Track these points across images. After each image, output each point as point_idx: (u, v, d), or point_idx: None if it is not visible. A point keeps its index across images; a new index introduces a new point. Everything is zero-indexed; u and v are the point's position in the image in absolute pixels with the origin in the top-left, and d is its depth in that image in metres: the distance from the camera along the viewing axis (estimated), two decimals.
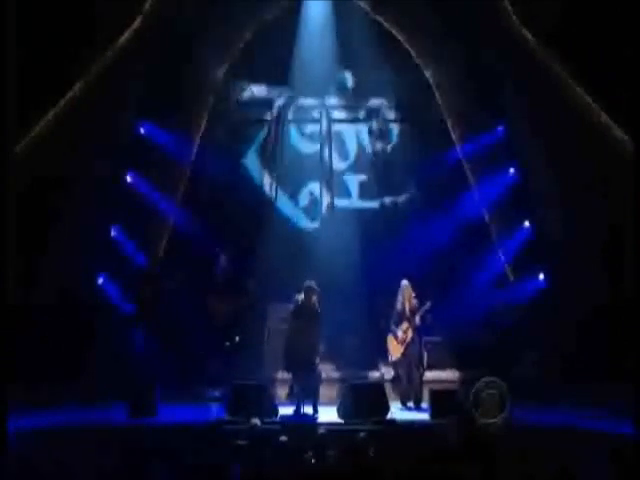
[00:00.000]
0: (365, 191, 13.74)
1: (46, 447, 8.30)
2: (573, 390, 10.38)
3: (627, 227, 9.74)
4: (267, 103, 13.64)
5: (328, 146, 13.75)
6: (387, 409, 9.81)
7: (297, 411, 9.98)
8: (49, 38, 10.88)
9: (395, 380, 11.13)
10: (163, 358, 11.31)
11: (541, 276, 11.79)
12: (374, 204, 13.65)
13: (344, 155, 13.91)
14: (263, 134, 13.67)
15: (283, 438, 7.97)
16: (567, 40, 11.59)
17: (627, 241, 9.94)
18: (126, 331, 11.74)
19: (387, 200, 13.56)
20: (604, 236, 11.21)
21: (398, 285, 11.01)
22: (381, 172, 13.65)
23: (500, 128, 12.46)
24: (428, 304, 10.75)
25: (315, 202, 13.69)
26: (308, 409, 10.01)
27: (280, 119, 13.63)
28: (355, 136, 13.95)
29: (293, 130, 13.87)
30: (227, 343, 11.76)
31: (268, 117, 13.70)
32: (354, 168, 13.85)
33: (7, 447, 7.27)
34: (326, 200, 13.68)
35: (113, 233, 12.02)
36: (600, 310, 11.01)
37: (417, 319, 10.75)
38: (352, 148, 13.93)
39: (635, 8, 10.49)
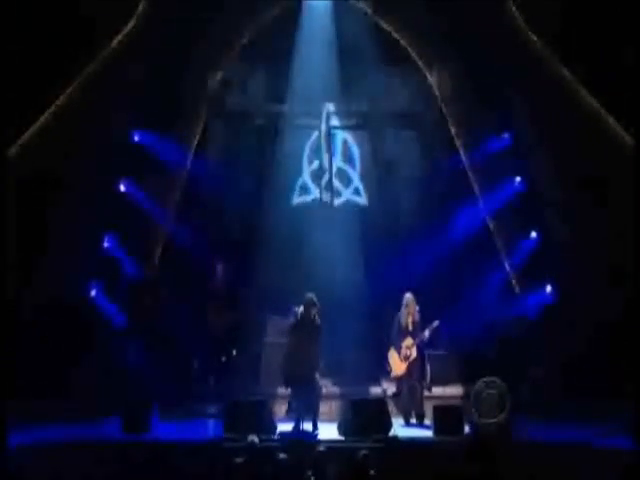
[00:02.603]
0: (366, 200, 13.90)
1: (41, 463, 8.46)
2: (580, 406, 10.49)
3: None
4: (265, 109, 13.81)
5: (328, 153, 13.88)
6: (389, 426, 9.89)
7: (296, 428, 10.03)
8: (43, 42, 11.08)
9: (397, 396, 11.22)
10: (158, 372, 11.43)
11: (548, 288, 11.92)
12: (376, 213, 13.80)
13: (344, 162, 14.08)
14: (262, 141, 13.84)
15: (282, 456, 8.11)
16: (572, 42, 11.77)
17: (629, 250, 10.09)
18: (120, 344, 11.85)
19: (389, 209, 13.69)
20: (613, 248, 11.32)
21: (400, 297, 11.12)
22: (383, 180, 13.81)
23: (506, 135, 12.59)
24: (436, 323, 10.85)
25: (315, 211, 13.85)
26: (308, 426, 10.08)
27: (279, 125, 13.78)
28: (356, 143, 14.13)
29: (292, 136, 14.04)
30: (223, 358, 11.87)
31: (267, 123, 13.86)
32: (355, 176, 14.01)
33: (6, 463, 7.39)
34: (326, 209, 13.84)
35: (107, 242, 12.14)
36: (608, 324, 11.13)
37: (423, 336, 10.89)
38: (353, 155, 14.10)
39: (636, 8, 10.70)
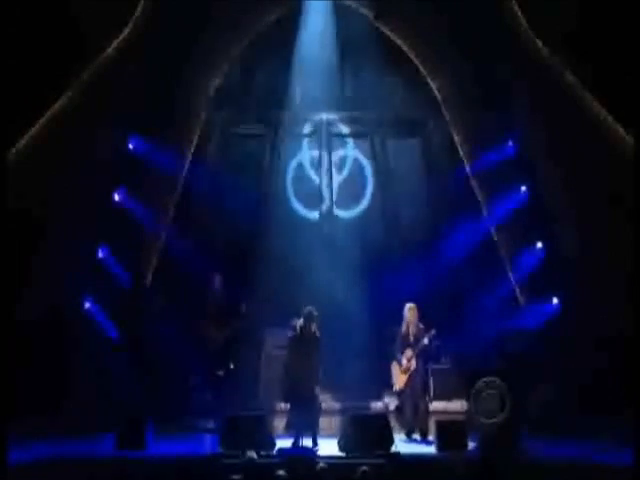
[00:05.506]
0: (368, 210, 13.99)
1: None
2: (589, 422, 10.56)
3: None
4: (263, 117, 13.90)
5: (328, 161, 13.97)
6: (391, 441, 9.90)
7: (296, 444, 10.10)
8: (36, 51, 11.21)
9: (400, 410, 11.28)
10: (153, 386, 11.50)
11: (555, 300, 12.00)
12: (377, 223, 13.88)
13: (345, 171, 14.16)
14: (260, 149, 13.93)
15: (281, 472, 8.18)
16: (576, 42, 11.86)
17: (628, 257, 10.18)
18: (114, 357, 11.93)
19: (391, 219, 13.77)
20: (621, 257, 11.38)
21: (402, 309, 11.22)
22: (385, 190, 13.89)
23: (510, 143, 12.67)
24: (432, 332, 10.95)
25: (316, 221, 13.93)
26: (307, 442, 10.15)
27: (279, 132, 13.87)
28: (357, 152, 14.22)
29: (292, 143, 14.14)
30: (220, 372, 11.94)
31: (264, 131, 13.97)
32: (356, 186, 14.09)
33: None
34: (326, 218, 13.93)
35: (101, 253, 12.22)
36: (618, 337, 11.17)
37: (420, 346, 10.98)
38: (353, 164, 14.18)
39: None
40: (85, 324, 11.98)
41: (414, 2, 12.88)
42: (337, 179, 14.10)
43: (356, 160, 14.20)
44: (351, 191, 14.10)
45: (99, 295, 12.13)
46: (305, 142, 14.20)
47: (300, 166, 14.16)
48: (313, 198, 14.03)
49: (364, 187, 14.08)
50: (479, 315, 12.28)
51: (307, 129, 14.14)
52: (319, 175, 14.03)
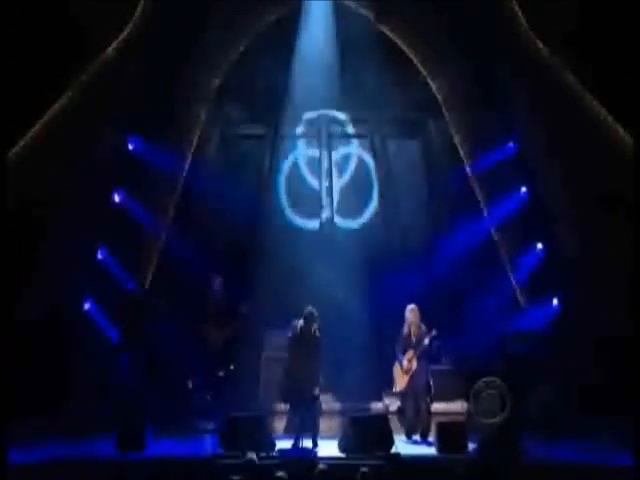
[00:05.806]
0: (367, 210, 13.97)
1: None
2: (589, 422, 10.57)
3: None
4: (263, 117, 13.90)
5: (328, 162, 13.97)
6: (391, 443, 9.92)
7: (296, 445, 10.10)
8: (36, 51, 11.22)
9: (401, 412, 11.28)
10: (152, 388, 11.50)
11: (555, 301, 12.00)
12: (377, 224, 13.87)
13: (345, 172, 14.14)
14: (260, 149, 13.94)
15: (281, 474, 8.18)
16: (579, 47, 11.86)
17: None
18: (113, 359, 11.94)
19: (391, 220, 13.76)
20: (621, 257, 11.38)
21: (403, 310, 11.22)
22: (384, 191, 13.88)
23: (510, 143, 12.67)
24: (433, 332, 10.96)
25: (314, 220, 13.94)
26: (307, 443, 10.15)
27: (277, 133, 13.86)
28: (357, 152, 14.20)
29: (291, 145, 14.15)
30: (221, 373, 11.95)
31: (264, 131, 13.96)
32: (356, 186, 14.06)
33: None
34: (326, 219, 13.90)
35: (100, 255, 12.23)
36: (618, 337, 11.18)
37: (421, 347, 10.99)
38: (353, 165, 14.17)
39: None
40: (85, 324, 11.98)
41: (414, 2, 12.89)
42: (339, 182, 14.07)
43: (359, 159, 14.19)
44: (354, 194, 14.05)
45: (99, 295, 12.13)
46: (302, 142, 14.19)
47: (298, 168, 14.15)
48: (313, 200, 13.99)
49: (369, 188, 14.05)
50: (479, 315, 12.26)
51: (307, 129, 14.11)
52: (319, 177, 14.01)
